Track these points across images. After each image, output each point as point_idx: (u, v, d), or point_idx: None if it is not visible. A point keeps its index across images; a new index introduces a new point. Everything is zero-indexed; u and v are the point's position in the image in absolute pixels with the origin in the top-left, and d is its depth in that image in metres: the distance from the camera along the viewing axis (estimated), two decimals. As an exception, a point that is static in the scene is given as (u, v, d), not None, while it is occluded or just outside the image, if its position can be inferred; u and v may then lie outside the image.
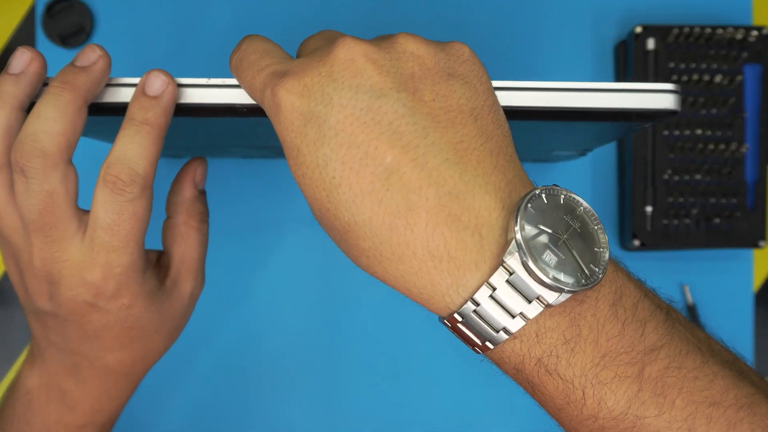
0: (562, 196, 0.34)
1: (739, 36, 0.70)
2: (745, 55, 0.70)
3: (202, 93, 0.41)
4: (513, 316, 0.33)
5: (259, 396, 0.73)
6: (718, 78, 0.70)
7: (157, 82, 0.40)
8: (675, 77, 0.69)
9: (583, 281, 0.32)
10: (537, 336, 0.33)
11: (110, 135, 0.45)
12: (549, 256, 0.32)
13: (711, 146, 0.69)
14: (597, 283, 0.33)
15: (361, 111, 0.33)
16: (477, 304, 0.32)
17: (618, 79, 0.73)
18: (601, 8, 0.74)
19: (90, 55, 0.42)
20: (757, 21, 0.77)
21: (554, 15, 0.74)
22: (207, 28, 0.74)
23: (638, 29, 0.70)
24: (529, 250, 0.32)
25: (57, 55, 0.74)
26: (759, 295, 0.74)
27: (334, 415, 0.73)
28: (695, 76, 0.69)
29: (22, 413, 0.48)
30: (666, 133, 0.70)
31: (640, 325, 0.34)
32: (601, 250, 0.34)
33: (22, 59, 0.41)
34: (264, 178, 0.72)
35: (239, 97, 0.41)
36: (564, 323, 0.33)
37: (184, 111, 0.42)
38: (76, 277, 0.41)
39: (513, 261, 0.32)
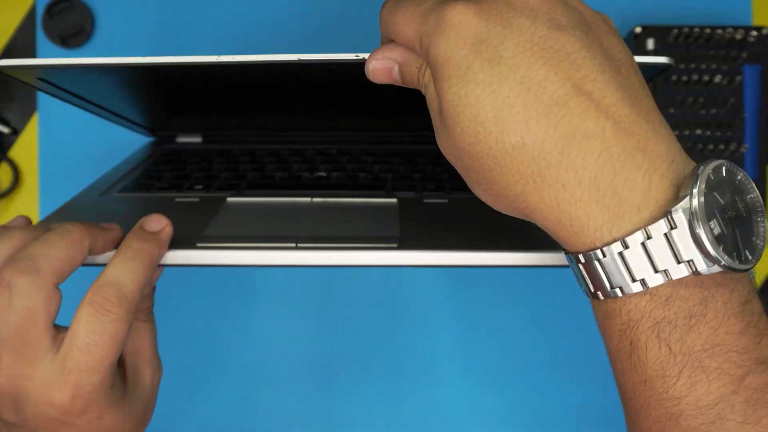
0: (740, 176, 0.34)
1: (738, 36, 0.70)
2: (744, 55, 0.70)
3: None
4: (656, 271, 0.32)
5: None
6: (717, 78, 0.70)
7: (155, 223, 0.44)
8: (675, 78, 0.69)
9: (738, 263, 0.31)
10: (667, 300, 0.32)
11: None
12: (714, 225, 0.32)
13: (710, 146, 0.69)
14: (749, 269, 0.32)
15: (540, 38, 0.33)
16: (626, 246, 0.32)
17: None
18: (600, 8, 0.74)
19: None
20: (756, 21, 0.77)
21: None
22: (207, 28, 0.74)
23: (638, 29, 0.71)
24: (702, 212, 0.31)
25: (57, 55, 0.75)
26: (758, 294, 0.74)
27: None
28: (695, 76, 0.69)
29: None
30: (666, 133, 0.70)
31: (759, 333, 0.33)
32: (760, 241, 0.33)
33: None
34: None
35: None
36: (696, 298, 0.32)
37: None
38: (44, 395, 0.40)
39: (679, 217, 0.31)
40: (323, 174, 0.59)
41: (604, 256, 0.32)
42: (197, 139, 0.70)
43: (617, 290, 0.33)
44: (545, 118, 0.32)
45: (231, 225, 0.48)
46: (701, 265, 0.31)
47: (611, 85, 0.33)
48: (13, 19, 0.76)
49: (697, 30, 0.70)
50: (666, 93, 0.70)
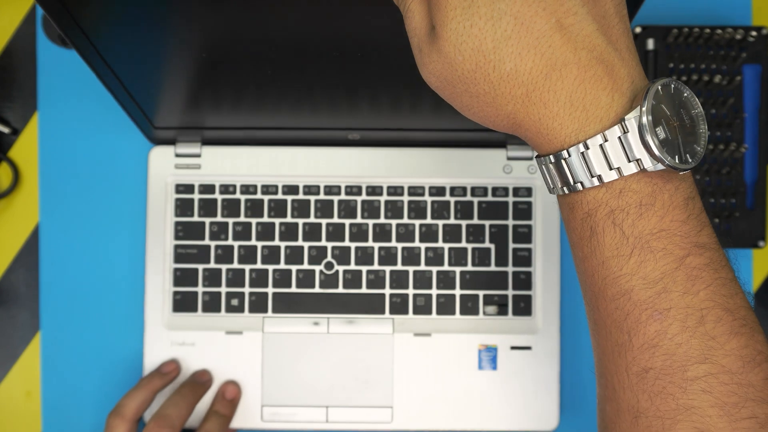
0: (686, 93, 0.40)
1: (738, 36, 0.69)
2: (744, 55, 0.70)
3: None
4: (611, 169, 0.39)
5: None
6: (717, 78, 0.70)
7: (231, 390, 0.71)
8: (675, 78, 0.69)
9: (678, 163, 0.38)
10: (620, 192, 0.39)
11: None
12: (660, 131, 0.38)
13: (710, 146, 0.70)
14: (688, 169, 0.39)
15: None
16: (587, 147, 0.39)
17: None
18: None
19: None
20: (756, 21, 0.75)
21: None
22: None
23: (638, 29, 0.70)
24: (648, 119, 0.38)
25: (57, 55, 0.75)
26: (758, 294, 0.75)
27: None
28: (695, 77, 0.70)
29: None
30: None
31: (700, 224, 0.40)
32: (700, 148, 0.40)
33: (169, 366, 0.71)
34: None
35: None
36: (646, 191, 0.39)
37: None
38: None
39: (631, 123, 0.38)
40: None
41: (569, 155, 0.39)
42: (196, 150, 0.72)
43: (578, 185, 0.40)
44: (534, 49, 0.38)
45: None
46: (647, 163, 0.38)
47: (588, 17, 0.39)
48: (13, 19, 0.75)
49: (697, 30, 0.69)
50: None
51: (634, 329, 0.40)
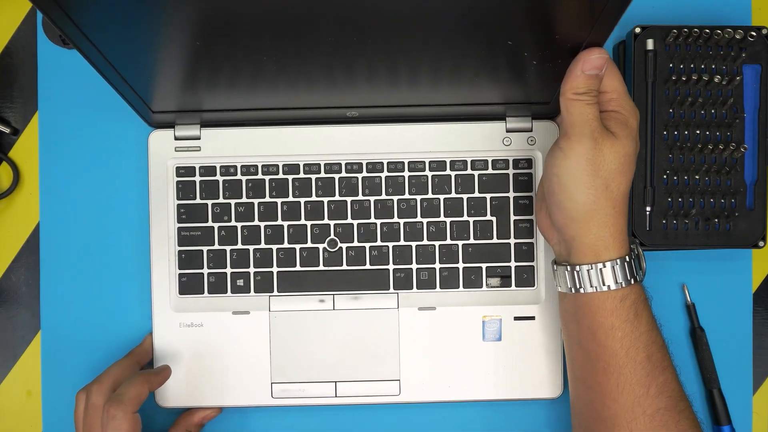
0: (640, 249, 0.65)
1: (738, 36, 0.69)
2: (744, 55, 0.70)
3: None
4: (641, 272, 0.63)
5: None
6: (717, 78, 0.70)
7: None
8: (674, 78, 0.70)
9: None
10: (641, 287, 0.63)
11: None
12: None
13: (710, 146, 0.70)
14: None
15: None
16: (604, 266, 0.61)
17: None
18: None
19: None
20: (756, 21, 0.75)
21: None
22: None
23: (637, 30, 0.70)
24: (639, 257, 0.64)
25: (57, 55, 0.75)
26: (758, 294, 0.75)
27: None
28: (694, 77, 0.69)
29: None
30: (665, 133, 0.70)
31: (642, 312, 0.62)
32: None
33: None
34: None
35: None
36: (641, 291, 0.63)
37: None
38: None
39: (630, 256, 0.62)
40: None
41: (627, 260, 0.61)
42: (195, 132, 0.73)
43: (631, 280, 0.61)
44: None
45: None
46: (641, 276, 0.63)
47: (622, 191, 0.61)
48: (13, 19, 0.75)
49: (696, 30, 0.69)
50: (665, 93, 0.70)
51: (652, 382, 0.60)
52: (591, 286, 0.61)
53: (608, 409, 0.60)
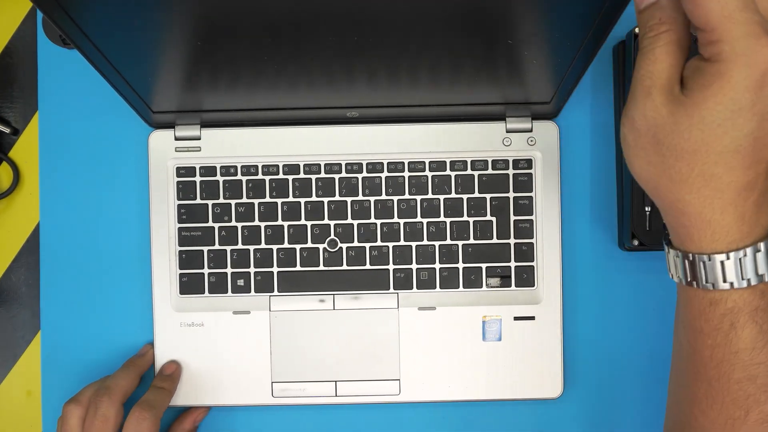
0: None
1: None
2: (743, 55, 0.70)
3: None
4: (758, 274, 0.47)
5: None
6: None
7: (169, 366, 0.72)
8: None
9: None
10: (762, 293, 0.48)
11: None
12: None
13: None
14: None
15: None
16: (745, 255, 0.47)
17: (617, 80, 0.73)
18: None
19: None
20: None
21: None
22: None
23: (637, 30, 0.70)
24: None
25: (57, 55, 0.75)
26: None
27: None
28: (693, 76, 0.69)
29: None
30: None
31: (744, 325, 0.48)
32: None
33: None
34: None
35: None
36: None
37: None
38: None
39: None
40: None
41: (728, 258, 0.47)
42: (195, 133, 0.73)
43: (726, 285, 0.47)
44: (747, 168, 0.46)
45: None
46: None
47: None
48: (13, 19, 0.76)
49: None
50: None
51: (753, 407, 0.49)
52: (683, 278, 0.49)
53: (696, 421, 0.52)
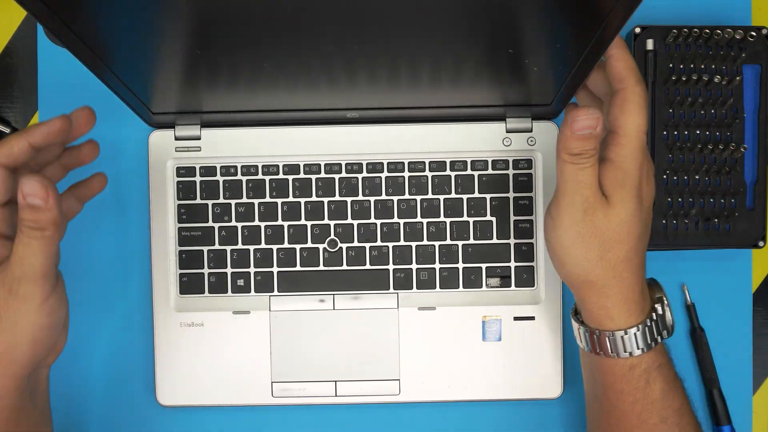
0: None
1: (738, 36, 0.69)
2: (744, 55, 0.70)
3: None
4: (659, 339, 0.59)
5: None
6: (717, 78, 0.70)
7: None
8: (674, 78, 0.70)
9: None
10: (661, 351, 0.60)
11: None
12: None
13: (710, 146, 0.70)
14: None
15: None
16: (646, 326, 0.58)
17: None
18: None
19: None
20: (756, 21, 0.75)
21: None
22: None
23: (637, 30, 0.70)
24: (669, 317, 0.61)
25: (57, 55, 0.75)
26: (758, 294, 0.75)
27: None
28: (694, 77, 0.69)
29: None
30: (665, 133, 0.70)
31: (655, 379, 0.60)
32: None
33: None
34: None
35: None
36: (664, 350, 0.61)
37: None
38: None
39: (666, 316, 0.61)
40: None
41: (639, 330, 0.58)
42: (195, 133, 0.73)
43: (640, 351, 0.58)
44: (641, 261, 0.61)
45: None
46: (665, 336, 0.60)
47: (621, 257, 0.58)
48: (13, 19, 0.76)
49: (696, 30, 0.69)
50: (666, 93, 0.70)
51: None
52: (598, 352, 0.59)
53: None
